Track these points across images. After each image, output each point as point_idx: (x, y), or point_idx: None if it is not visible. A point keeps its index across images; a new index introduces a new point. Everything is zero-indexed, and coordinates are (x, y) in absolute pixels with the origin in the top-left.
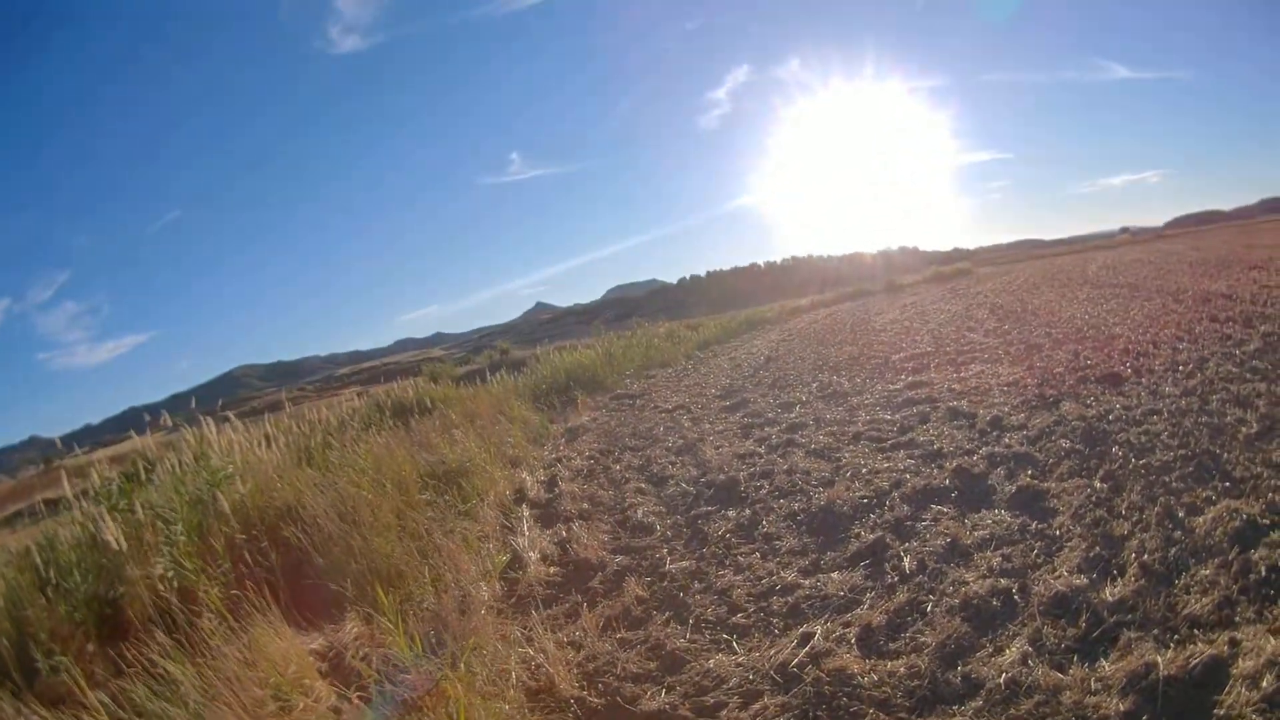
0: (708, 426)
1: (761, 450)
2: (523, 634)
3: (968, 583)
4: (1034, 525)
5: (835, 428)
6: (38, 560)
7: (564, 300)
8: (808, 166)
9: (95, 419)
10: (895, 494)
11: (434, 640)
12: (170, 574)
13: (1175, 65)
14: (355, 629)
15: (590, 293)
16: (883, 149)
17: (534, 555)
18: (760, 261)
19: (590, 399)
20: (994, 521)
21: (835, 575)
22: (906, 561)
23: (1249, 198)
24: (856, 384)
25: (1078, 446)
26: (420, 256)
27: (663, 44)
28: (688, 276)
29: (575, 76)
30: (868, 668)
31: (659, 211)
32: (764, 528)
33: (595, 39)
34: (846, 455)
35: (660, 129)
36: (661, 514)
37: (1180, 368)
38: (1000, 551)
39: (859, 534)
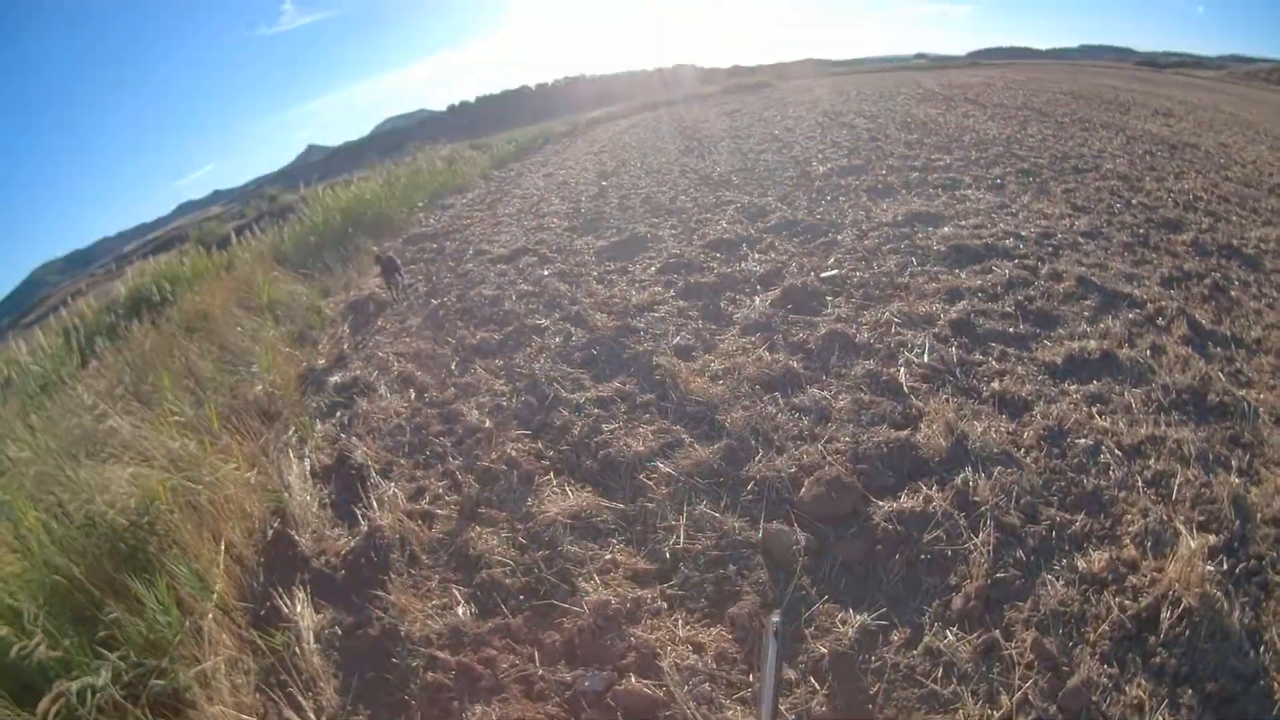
0: (603, 290)
1: (797, 366)
2: None
3: None
4: None
5: (899, 303)
6: None
7: (335, 140)
8: None
9: None
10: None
11: None
12: None
13: None
14: None
15: (360, 130)
16: None
17: None
18: (531, 83)
19: (380, 248)
20: None
21: None
22: None
23: (1067, 41)
24: (810, 211)
25: None
26: (197, 117)
27: None
28: (457, 103)
29: None
30: None
31: (428, 42)
32: None
33: None
34: (1013, 387)
35: None
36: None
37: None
38: None
39: None
